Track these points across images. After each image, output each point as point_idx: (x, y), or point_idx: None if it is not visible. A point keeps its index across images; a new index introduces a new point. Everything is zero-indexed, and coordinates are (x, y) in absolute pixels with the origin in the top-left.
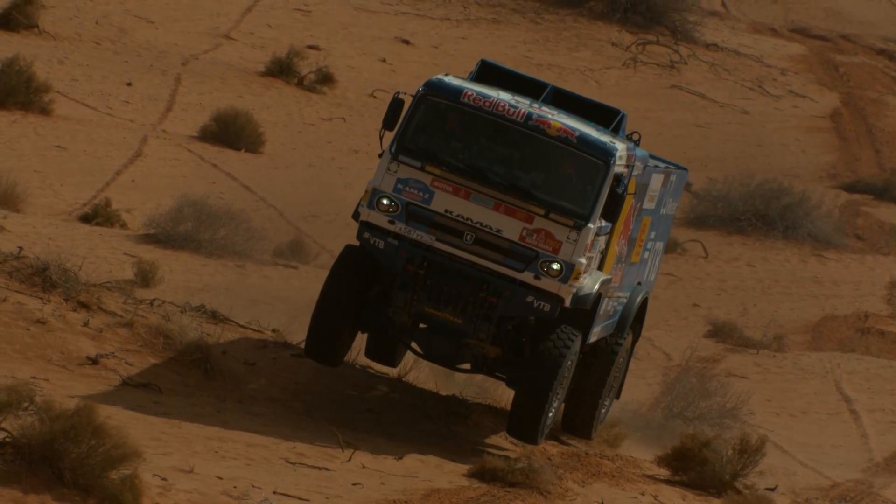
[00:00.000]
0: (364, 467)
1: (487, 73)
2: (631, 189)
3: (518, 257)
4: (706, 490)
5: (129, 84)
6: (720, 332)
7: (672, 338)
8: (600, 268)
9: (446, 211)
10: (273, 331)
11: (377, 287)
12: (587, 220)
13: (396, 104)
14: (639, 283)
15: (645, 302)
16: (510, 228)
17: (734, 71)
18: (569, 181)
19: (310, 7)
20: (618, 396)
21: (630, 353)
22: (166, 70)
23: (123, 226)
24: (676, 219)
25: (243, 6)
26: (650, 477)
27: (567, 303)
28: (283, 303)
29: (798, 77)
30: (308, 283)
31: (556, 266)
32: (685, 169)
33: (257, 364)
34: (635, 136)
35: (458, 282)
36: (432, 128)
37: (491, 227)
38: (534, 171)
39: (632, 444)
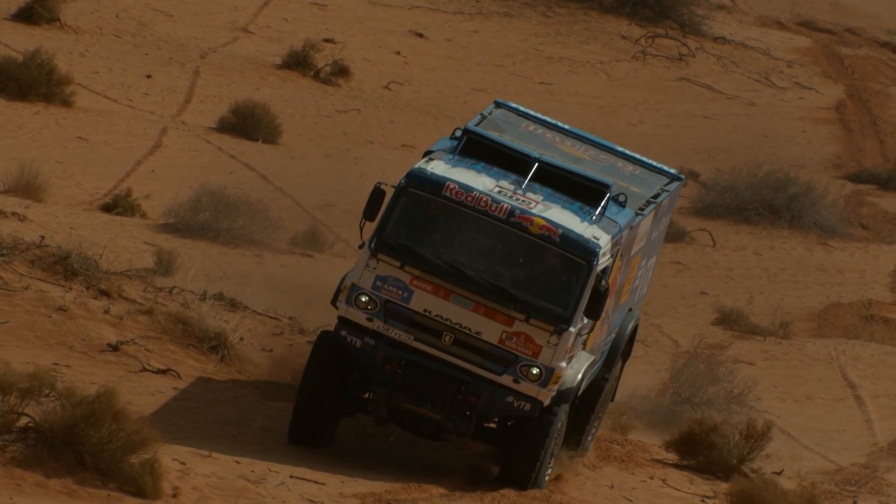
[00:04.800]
0: (379, 451)
1: (472, 145)
2: (617, 257)
3: (497, 360)
4: (714, 474)
5: (149, 76)
6: (727, 320)
7: (680, 325)
8: (586, 340)
9: (425, 310)
10: (289, 318)
11: (357, 371)
12: (569, 323)
13: (377, 195)
14: (630, 310)
15: (635, 327)
16: (490, 331)
17: (741, 63)
18: (551, 279)
19: (325, 1)
20: (612, 399)
21: (621, 370)
22: (185, 63)
23: (143, 215)
24: (685, 208)
25: (261, 0)
26: (659, 461)
27: (547, 403)
28: (300, 291)
29: (804, 69)
30: (324, 272)
31: (535, 371)
32: (680, 178)
33: (274, 351)
34: (621, 199)
35: (437, 380)
36: (413, 221)
37: (470, 329)
38: (515, 268)
39: (641, 429)
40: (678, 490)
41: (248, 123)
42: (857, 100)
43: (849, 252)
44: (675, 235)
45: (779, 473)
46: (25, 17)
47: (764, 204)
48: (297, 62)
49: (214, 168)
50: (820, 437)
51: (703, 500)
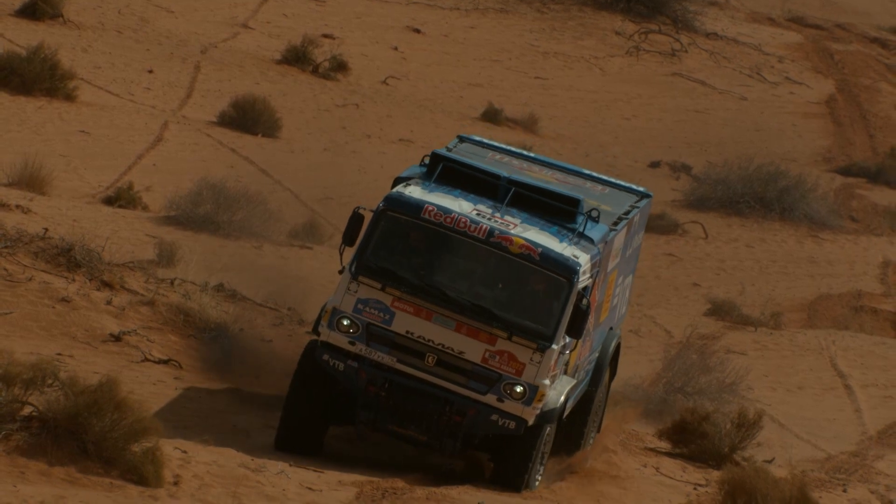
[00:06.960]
0: (377, 444)
1: (448, 172)
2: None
3: (481, 379)
4: (706, 462)
5: (151, 71)
6: (719, 311)
7: (673, 316)
8: (568, 361)
9: (407, 332)
10: (288, 309)
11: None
12: (551, 341)
13: (356, 219)
14: (611, 329)
15: (618, 346)
16: (472, 350)
17: (733, 59)
18: (532, 298)
19: None
20: (598, 430)
21: (607, 390)
22: (186, 58)
23: (145, 208)
24: (677, 201)
25: None
26: (652, 450)
27: (532, 422)
28: (299, 282)
29: (795, 64)
30: (322, 264)
31: (519, 389)
32: (649, 195)
33: (273, 341)
34: (594, 214)
35: (421, 400)
36: (392, 244)
37: (453, 349)
38: (496, 288)
39: (634, 418)
40: (671, 478)
41: (247, 118)
42: (846, 94)
43: (839, 244)
44: (667, 227)
45: (770, 461)
46: (29, 12)
47: (755, 197)
48: (297, 57)
49: (215, 161)
50: (810, 425)
51: (695, 488)
